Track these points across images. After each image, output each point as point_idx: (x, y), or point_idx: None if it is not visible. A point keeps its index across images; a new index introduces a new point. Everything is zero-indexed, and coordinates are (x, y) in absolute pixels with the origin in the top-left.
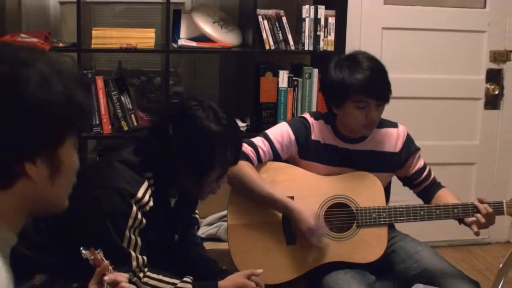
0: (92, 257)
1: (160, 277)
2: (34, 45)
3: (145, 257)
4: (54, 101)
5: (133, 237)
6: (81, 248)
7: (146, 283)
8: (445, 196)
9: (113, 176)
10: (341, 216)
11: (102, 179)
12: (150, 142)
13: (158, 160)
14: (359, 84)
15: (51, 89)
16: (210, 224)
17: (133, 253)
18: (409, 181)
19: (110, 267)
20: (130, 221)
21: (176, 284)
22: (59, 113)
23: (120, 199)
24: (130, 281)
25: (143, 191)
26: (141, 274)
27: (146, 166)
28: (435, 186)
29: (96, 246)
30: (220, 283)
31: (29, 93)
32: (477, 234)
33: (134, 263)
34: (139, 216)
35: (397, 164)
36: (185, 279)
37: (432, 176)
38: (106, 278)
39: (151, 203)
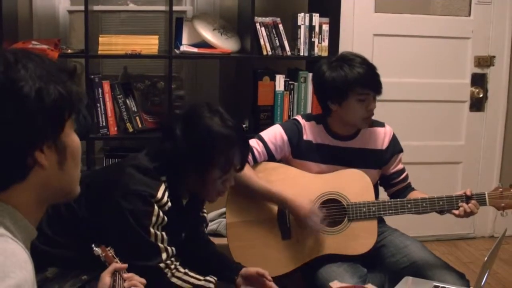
0: (104, 254)
1: (186, 270)
2: (18, 48)
3: (173, 248)
4: (47, 89)
5: (158, 232)
6: (93, 245)
7: (173, 274)
8: (418, 195)
9: (131, 182)
10: (333, 211)
11: (121, 185)
12: (161, 143)
13: (169, 161)
14: (361, 77)
15: (42, 78)
16: (211, 220)
17: (161, 245)
18: (386, 180)
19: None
20: (153, 219)
21: (199, 278)
22: (53, 98)
23: (141, 200)
24: (158, 272)
25: (162, 192)
26: (173, 266)
27: (160, 170)
28: (410, 189)
29: (126, 247)
30: None
31: (25, 89)
32: (459, 216)
33: (164, 254)
34: (161, 214)
35: (383, 161)
36: (208, 278)
37: (408, 181)
38: (126, 284)
39: (169, 204)
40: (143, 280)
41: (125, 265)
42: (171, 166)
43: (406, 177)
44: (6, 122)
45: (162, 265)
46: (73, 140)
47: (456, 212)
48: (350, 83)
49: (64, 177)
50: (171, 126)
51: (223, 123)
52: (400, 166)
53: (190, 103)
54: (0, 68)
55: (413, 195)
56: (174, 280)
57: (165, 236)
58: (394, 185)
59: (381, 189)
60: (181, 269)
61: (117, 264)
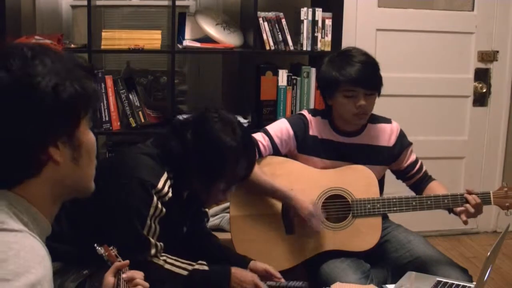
0: (107, 254)
1: (176, 258)
2: (36, 43)
3: (162, 244)
4: (63, 85)
5: (153, 225)
6: (95, 244)
7: (165, 261)
8: (435, 188)
9: (137, 167)
10: (337, 207)
11: (127, 169)
12: (169, 141)
13: (174, 158)
14: (347, 74)
15: (58, 74)
16: (213, 215)
17: (152, 240)
18: (403, 174)
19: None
20: (152, 210)
21: (192, 264)
22: (69, 95)
23: (143, 189)
24: (152, 264)
25: (163, 182)
26: (159, 255)
27: (165, 160)
28: (427, 178)
29: (118, 230)
30: (233, 269)
31: (40, 82)
32: (465, 223)
33: (153, 250)
34: (159, 205)
35: (391, 158)
36: (200, 261)
37: (424, 170)
38: (124, 276)
39: (169, 194)
40: (146, 284)
41: (127, 262)
42: (177, 165)
43: (421, 168)
44: (20, 116)
45: (148, 259)
46: (89, 137)
47: (464, 218)
48: (334, 78)
49: (78, 174)
50: (182, 129)
51: (234, 137)
52: (412, 158)
53: (204, 108)
54: (17, 63)
55: (431, 187)
56: (168, 266)
57: (157, 231)
58: (411, 178)
59: (387, 185)
60: (171, 256)
61: (118, 263)
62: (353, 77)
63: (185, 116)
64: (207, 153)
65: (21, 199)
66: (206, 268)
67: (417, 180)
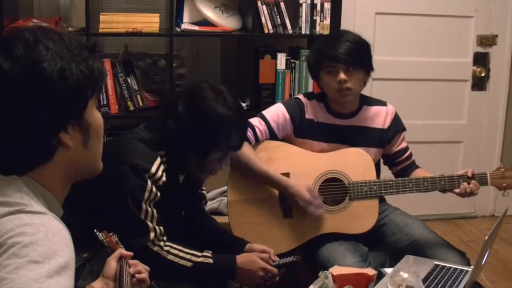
0: (108, 240)
1: (180, 247)
2: (37, 26)
3: (161, 227)
4: (69, 68)
5: (149, 209)
6: (95, 230)
7: (168, 252)
8: (422, 174)
9: (129, 152)
10: (334, 190)
11: (120, 155)
12: (162, 119)
13: (168, 137)
14: (326, 50)
15: (63, 57)
16: (211, 199)
17: (150, 224)
18: (391, 159)
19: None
20: (146, 194)
21: (196, 255)
22: (75, 78)
23: (136, 174)
24: (150, 251)
25: (156, 167)
26: (162, 243)
27: (159, 145)
28: (414, 166)
29: (116, 217)
30: (238, 257)
31: (48, 71)
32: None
33: (152, 234)
34: (154, 189)
35: (385, 140)
36: (205, 253)
37: (412, 159)
38: (131, 270)
39: (163, 178)
40: (147, 267)
41: (131, 253)
42: (172, 144)
43: (410, 156)
44: (29, 104)
45: (150, 244)
46: (96, 117)
47: (457, 190)
48: (315, 57)
49: (88, 155)
50: (173, 104)
51: (226, 105)
52: (403, 145)
53: (193, 82)
54: (20, 50)
55: (416, 173)
56: (171, 257)
57: (155, 214)
58: (398, 164)
59: (383, 168)
60: (175, 246)
61: (123, 251)
62: (332, 53)
63: (177, 93)
64: (200, 122)
65: (35, 182)
66: (211, 261)
67: (404, 167)
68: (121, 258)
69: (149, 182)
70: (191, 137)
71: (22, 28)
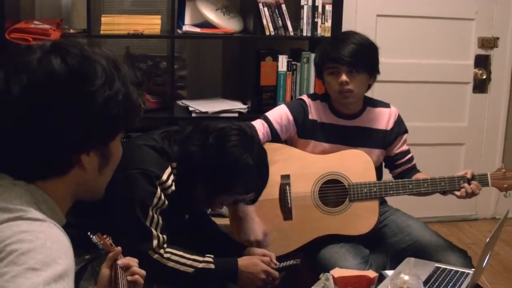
0: (102, 242)
1: (181, 253)
2: (92, 40)
3: (165, 236)
4: (115, 99)
5: (155, 216)
6: (89, 233)
7: (169, 259)
8: (422, 177)
9: (142, 158)
10: (334, 191)
11: (133, 160)
12: (185, 137)
13: (187, 162)
14: (329, 51)
15: (113, 86)
16: None
17: (154, 232)
18: (391, 162)
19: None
20: (155, 201)
21: (198, 260)
22: (117, 110)
23: (147, 180)
24: (151, 259)
25: (167, 175)
26: (162, 251)
27: (171, 155)
28: (414, 170)
29: (121, 221)
30: (239, 260)
31: (96, 90)
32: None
33: (155, 241)
34: (162, 197)
35: (388, 141)
36: (206, 258)
37: (413, 162)
38: (119, 262)
39: (173, 187)
40: (143, 272)
41: (119, 249)
42: (188, 169)
43: (411, 159)
44: (66, 114)
45: (151, 252)
46: (119, 149)
47: (458, 193)
48: (319, 58)
49: (99, 180)
50: (205, 132)
51: (252, 157)
52: (405, 147)
53: (232, 122)
54: (75, 57)
55: (417, 177)
56: (171, 264)
57: (160, 222)
58: (398, 166)
59: (385, 170)
60: (176, 252)
61: (112, 254)
62: (335, 54)
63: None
64: (220, 164)
65: (40, 191)
66: (212, 266)
67: (404, 170)
68: (114, 262)
69: (158, 189)
70: (209, 172)
71: (80, 40)
